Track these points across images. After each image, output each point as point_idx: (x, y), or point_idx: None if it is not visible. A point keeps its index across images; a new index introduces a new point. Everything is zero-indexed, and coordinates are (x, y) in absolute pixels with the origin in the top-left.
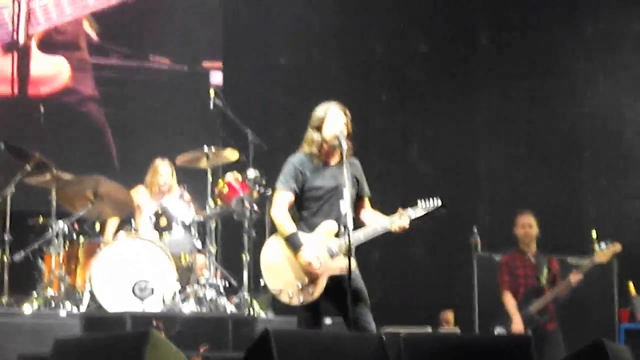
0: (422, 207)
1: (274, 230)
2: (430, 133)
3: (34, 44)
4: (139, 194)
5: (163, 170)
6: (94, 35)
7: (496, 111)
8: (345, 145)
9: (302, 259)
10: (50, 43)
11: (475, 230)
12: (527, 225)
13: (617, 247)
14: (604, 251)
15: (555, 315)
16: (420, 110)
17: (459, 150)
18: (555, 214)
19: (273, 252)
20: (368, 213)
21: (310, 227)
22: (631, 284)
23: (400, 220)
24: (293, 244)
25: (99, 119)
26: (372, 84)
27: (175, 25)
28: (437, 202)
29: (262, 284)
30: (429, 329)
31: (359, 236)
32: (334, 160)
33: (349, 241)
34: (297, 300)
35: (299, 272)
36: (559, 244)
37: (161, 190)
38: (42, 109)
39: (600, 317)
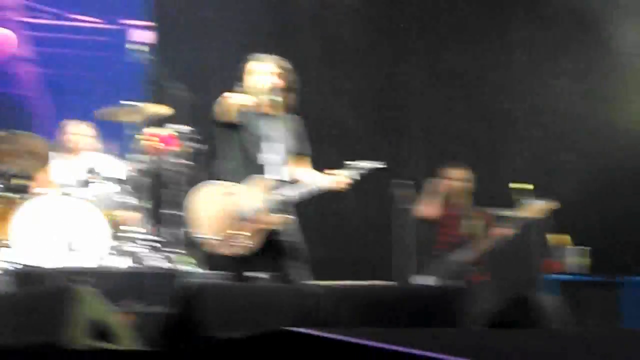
0: (361, 167)
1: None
2: (362, 86)
3: None
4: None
5: (72, 130)
6: None
7: (428, 63)
8: (274, 98)
9: None
10: None
11: (402, 183)
12: (462, 179)
13: (550, 204)
14: (535, 207)
15: (485, 267)
16: (351, 65)
17: (390, 104)
18: (484, 167)
19: (206, 200)
20: (306, 171)
21: (242, 174)
22: (563, 236)
23: (339, 179)
24: None
25: (24, 77)
26: (304, 40)
27: None
28: (376, 164)
29: (186, 227)
30: (364, 283)
31: (294, 192)
32: (271, 112)
33: (283, 194)
34: (228, 250)
35: (232, 221)
36: (489, 197)
37: (73, 149)
38: None
39: (530, 268)
